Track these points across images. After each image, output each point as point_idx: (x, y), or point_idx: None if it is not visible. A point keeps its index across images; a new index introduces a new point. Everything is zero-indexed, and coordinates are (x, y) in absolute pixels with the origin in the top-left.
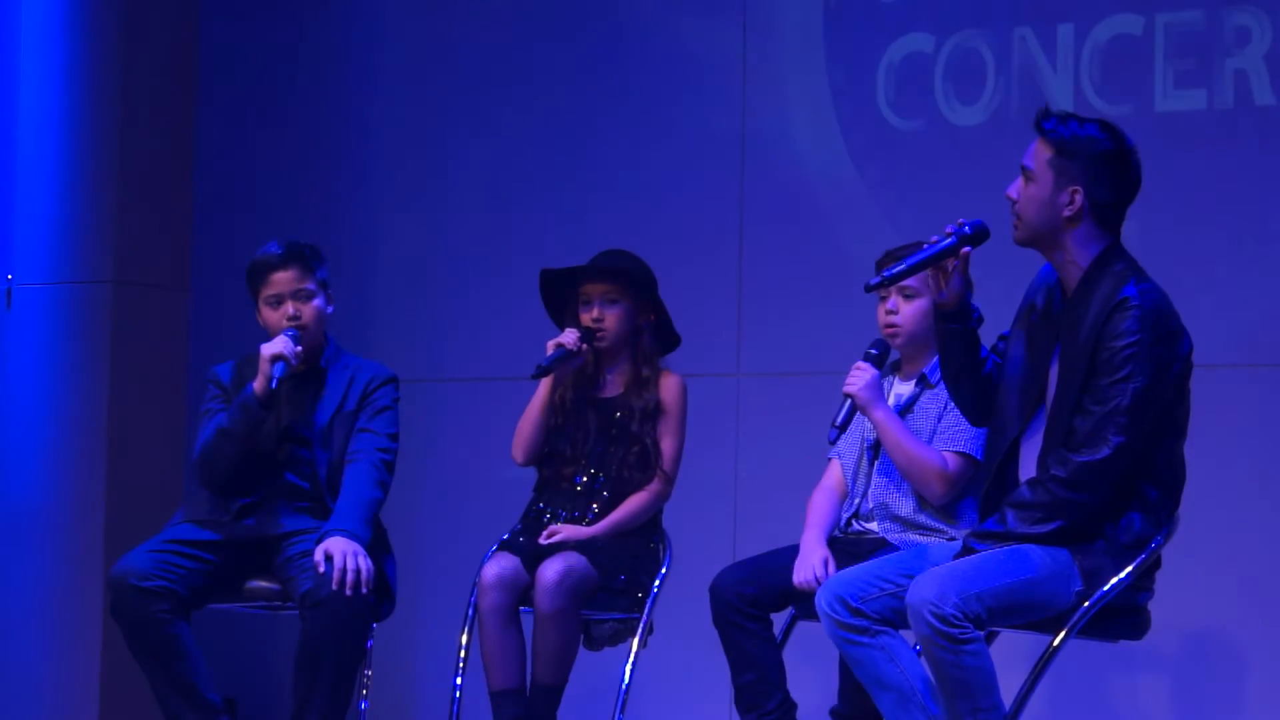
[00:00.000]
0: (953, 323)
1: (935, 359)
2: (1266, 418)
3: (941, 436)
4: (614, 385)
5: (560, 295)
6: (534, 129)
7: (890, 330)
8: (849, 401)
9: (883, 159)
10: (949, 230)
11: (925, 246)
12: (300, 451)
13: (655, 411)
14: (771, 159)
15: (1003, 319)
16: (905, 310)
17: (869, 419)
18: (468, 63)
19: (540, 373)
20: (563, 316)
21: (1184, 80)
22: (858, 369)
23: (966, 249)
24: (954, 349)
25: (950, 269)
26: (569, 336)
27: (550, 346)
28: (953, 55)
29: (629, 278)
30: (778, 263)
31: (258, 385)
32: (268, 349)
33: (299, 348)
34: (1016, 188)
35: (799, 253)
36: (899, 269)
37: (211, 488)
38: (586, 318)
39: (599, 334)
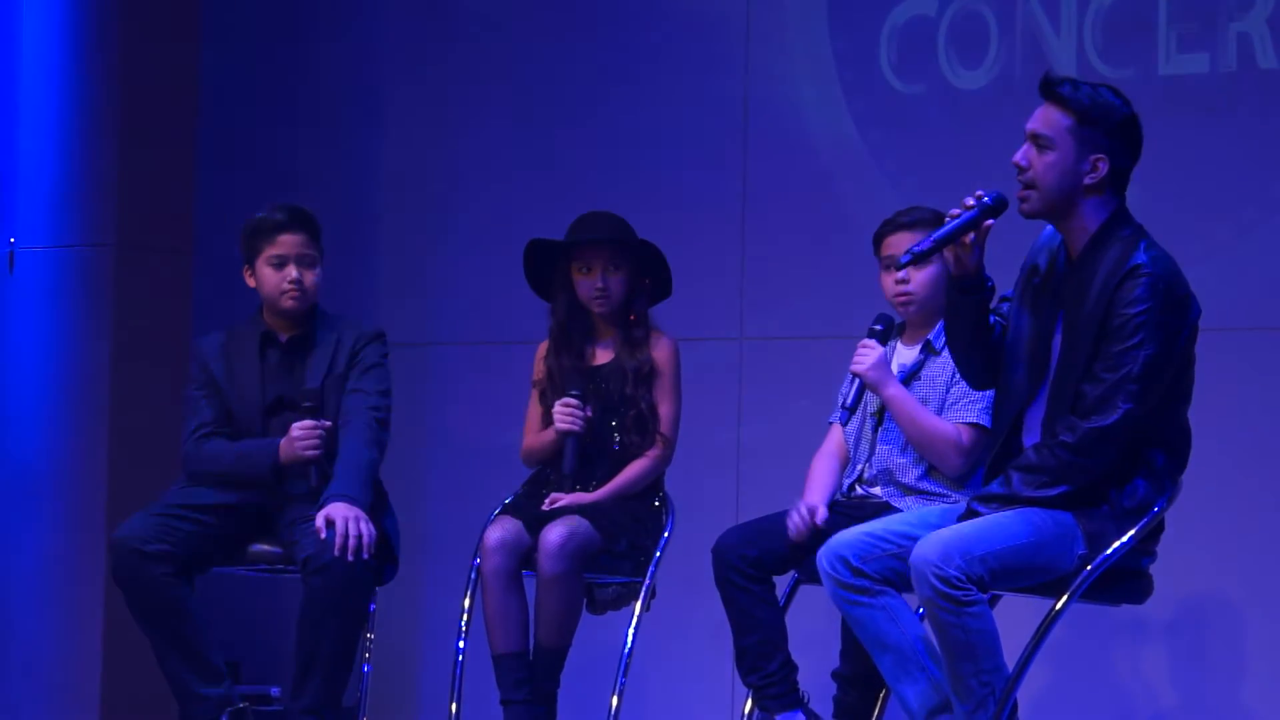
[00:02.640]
0: (969, 294)
1: (939, 325)
2: (1268, 381)
3: (953, 408)
4: (604, 351)
5: (545, 263)
6: (537, 94)
7: (903, 299)
8: (858, 381)
9: (886, 123)
10: (969, 203)
11: (947, 221)
12: (295, 419)
13: (650, 374)
14: (775, 123)
15: (1007, 281)
16: (918, 278)
17: (880, 397)
18: (470, 27)
19: (567, 481)
20: (547, 286)
21: (1187, 44)
22: (864, 347)
23: (989, 221)
24: (966, 320)
25: (970, 242)
26: (573, 420)
27: (558, 420)
28: (956, 19)
29: (636, 248)
30: (781, 227)
31: (284, 455)
32: (304, 448)
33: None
34: (1027, 156)
35: (802, 217)
36: (926, 246)
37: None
38: (589, 286)
39: (601, 302)
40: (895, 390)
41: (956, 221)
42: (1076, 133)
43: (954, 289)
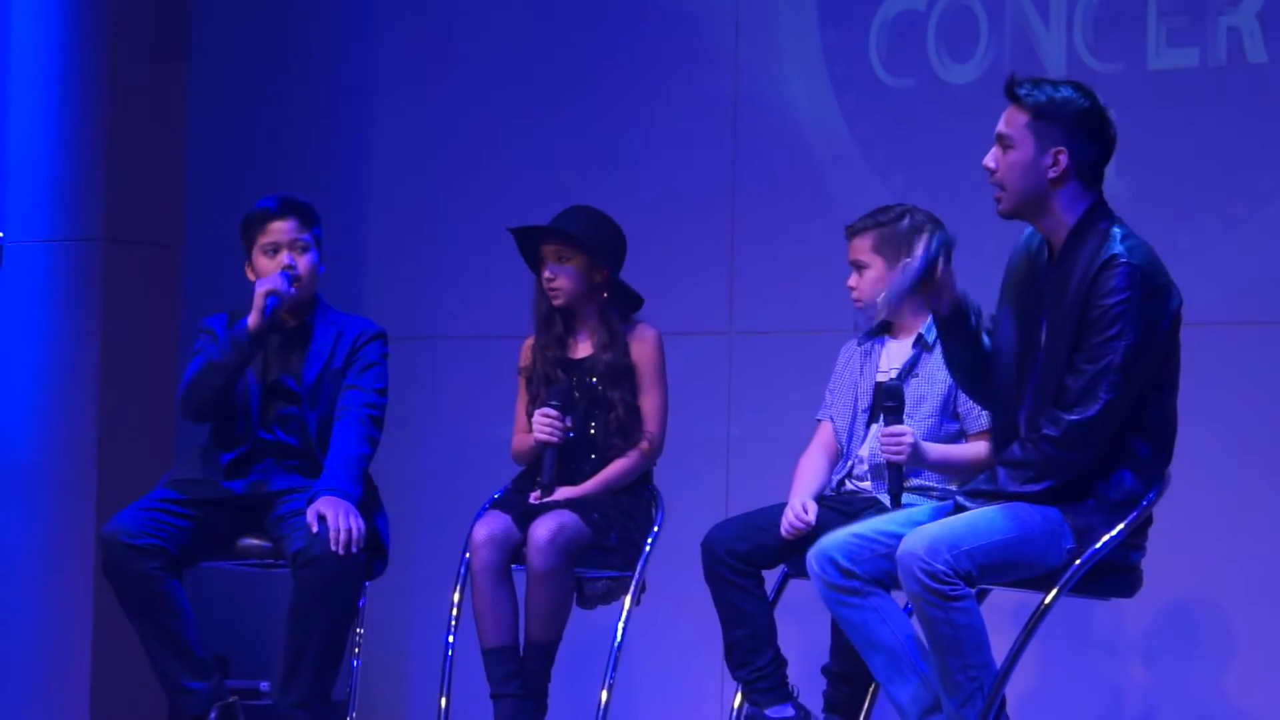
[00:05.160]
0: (945, 334)
1: (929, 319)
2: (1257, 376)
3: (968, 420)
4: (584, 345)
5: (537, 251)
6: (527, 88)
7: (855, 305)
8: (899, 470)
9: (875, 117)
10: (919, 253)
11: (898, 277)
12: (289, 409)
13: (629, 372)
14: (764, 117)
15: (991, 282)
16: (860, 284)
17: (926, 468)
18: (461, 22)
19: (546, 490)
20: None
21: (1177, 38)
22: (894, 435)
23: (942, 266)
24: (954, 352)
25: (937, 284)
26: (551, 431)
27: (536, 430)
28: (945, 13)
29: (576, 240)
30: (770, 221)
31: (251, 320)
32: (262, 284)
33: (292, 289)
34: (994, 157)
35: (791, 211)
36: (884, 306)
37: (194, 418)
38: (543, 276)
39: (554, 293)
40: (934, 456)
41: (907, 278)
42: (1033, 128)
43: (941, 331)
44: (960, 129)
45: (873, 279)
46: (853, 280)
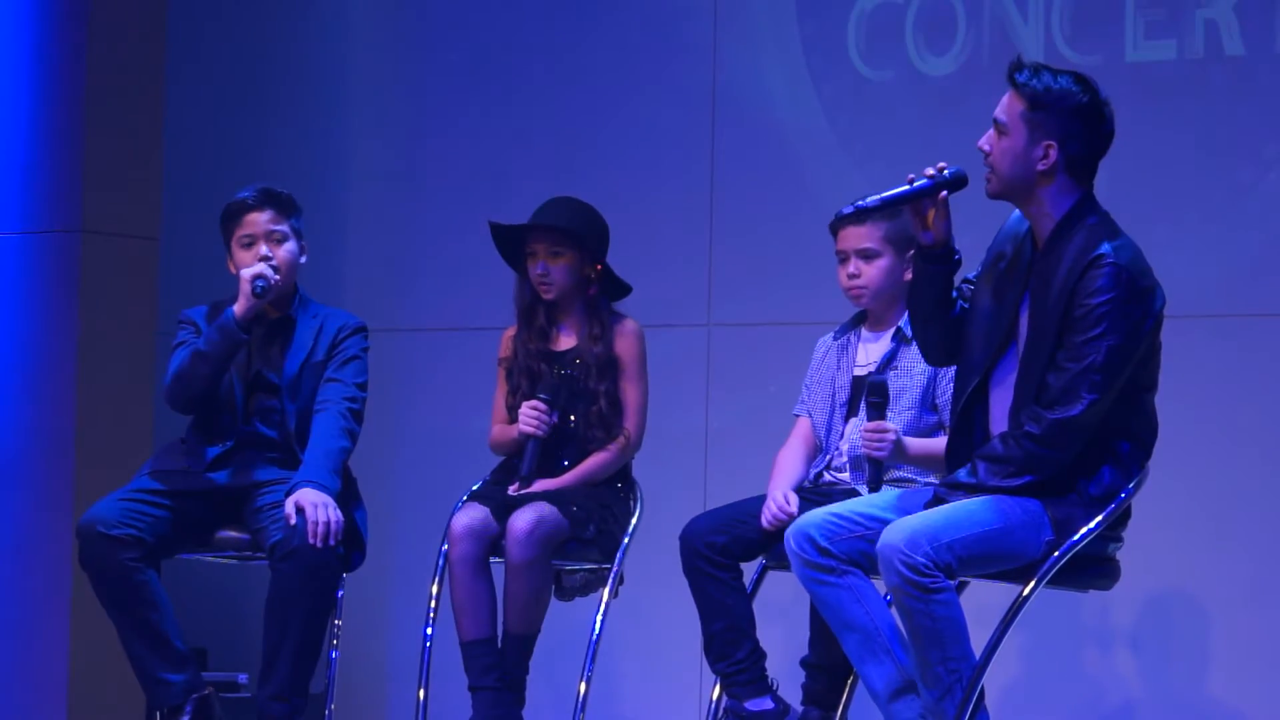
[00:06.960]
0: (936, 264)
1: (907, 314)
2: (1235, 368)
3: (947, 411)
4: (568, 337)
5: (514, 245)
6: (507, 80)
7: (856, 292)
8: (879, 465)
9: (854, 109)
10: (929, 173)
11: (904, 186)
12: (269, 401)
13: (613, 365)
14: (743, 109)
15: (973, 263)
16: (868, 271)
17: (905, 463)
18: (441, 13)
19: (525, 482)
20: (520, 263)
21: (1154, 31)
22: (875, 431)
23: (944, 194)
24: (931, 291)
25: (928, 212)
26: (538, 424)
27: (522, 422)
28: (924, 6)
29: (572, 235)
30: (749, 214)
31: (239, 306)
32: (247, 271)
33: (277, 277)
34: (989, 140)
35: (770, 204)
36: (873, 202)
37: (182, 408)
38: (533, 272)
39: (545, 288)
40: (915, 451)
41: (910, 188)
42: (1028, 119)
43: (920, 258)
44: (939, 121)
45: (885, 267)
46: (854, 268)
